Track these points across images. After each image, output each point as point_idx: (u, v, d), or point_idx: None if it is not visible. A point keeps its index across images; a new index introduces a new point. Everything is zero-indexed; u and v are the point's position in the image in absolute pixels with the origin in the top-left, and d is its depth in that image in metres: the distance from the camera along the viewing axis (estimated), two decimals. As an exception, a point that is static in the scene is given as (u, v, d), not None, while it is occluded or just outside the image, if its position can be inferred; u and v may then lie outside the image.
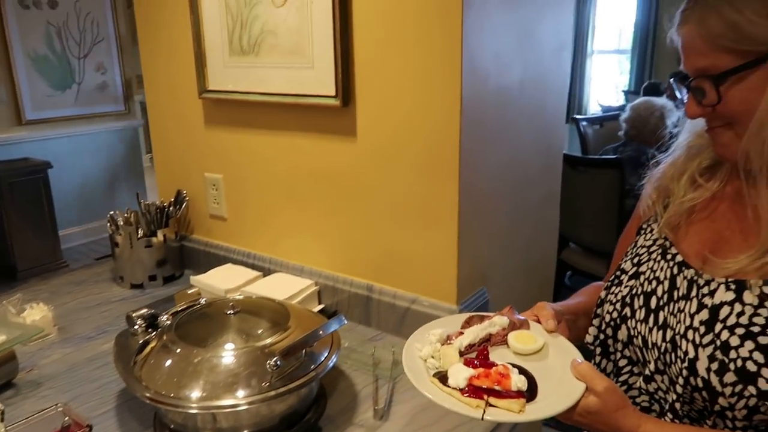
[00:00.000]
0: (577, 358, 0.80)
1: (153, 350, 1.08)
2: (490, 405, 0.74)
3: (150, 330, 1.13)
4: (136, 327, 1.13)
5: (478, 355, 0.86)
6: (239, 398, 0.92)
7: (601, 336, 0.89)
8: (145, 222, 1.67)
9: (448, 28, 1.14)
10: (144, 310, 1.14)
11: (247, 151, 1.56)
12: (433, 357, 0.86)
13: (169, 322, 1.14)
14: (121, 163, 4.80)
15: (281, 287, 1.42)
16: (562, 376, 0.79)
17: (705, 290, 0.76)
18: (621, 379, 0.88)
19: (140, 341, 1.10)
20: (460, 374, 0.78)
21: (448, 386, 0.78)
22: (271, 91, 1.45)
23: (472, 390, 0.76)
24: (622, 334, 0.85)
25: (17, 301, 1.42)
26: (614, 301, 0.87)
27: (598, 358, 0.92)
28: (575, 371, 0.78)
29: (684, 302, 0.78)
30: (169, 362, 1.02)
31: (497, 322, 0.90)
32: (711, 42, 0.69)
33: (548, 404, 0.75)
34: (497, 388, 0.75)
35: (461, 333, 0.89)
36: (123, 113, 4.77)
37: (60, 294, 1.60)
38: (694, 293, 0.77)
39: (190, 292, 1.30)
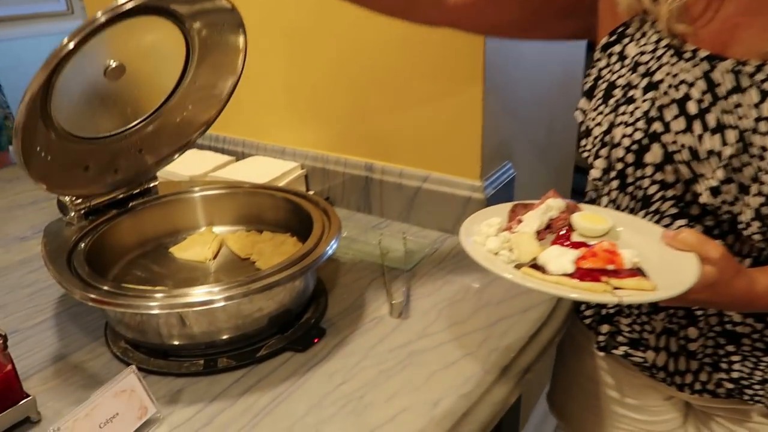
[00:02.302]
0: (661, 230, 0.64)
1: (95, 241, 0.82)
2: (615, 288, 0.57)
3: (91, 218, 0.87)
4: (72, 214, 0.86)
5: (557, 239, 0.64)
6: (214, 293, 0.68)
7: (619, 166, 0.72)
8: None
9: None
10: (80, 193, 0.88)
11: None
12: (502, 250, 0.64)
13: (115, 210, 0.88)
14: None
15: (259, 172, 1.16)
16: (661, 252, 0.62)
17: (760, 76, 0.64)
18: (651, 209, 0.72)
19: (78, 233, 0.84)
20: (564, 257, 0.58)
21: (551, 274, 0.58)
22: None
23: (584, 273, 0.57)
24: (653, 155, 0.69)
25: (-72, 198, 1.13)
26: (631, 121, 0.70)
27: (614, 194, 0.74)
28: (677, 243, 0.61)
29: (737, 95, 0.65)
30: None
31: (553, 205, 0.69)
32: None
33: (671, 282, 0.56)
34: (610, 267, 0.57)
35: (519, 221, 0.68)
36: (64, 13, 4.24)
37: (-13, 192, 1.32)
38: (746, 83, 0.64)
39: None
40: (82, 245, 0.81)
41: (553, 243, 0.62)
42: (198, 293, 0.68)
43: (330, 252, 0.77)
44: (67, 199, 0.86)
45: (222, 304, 0.67)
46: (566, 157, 1.48)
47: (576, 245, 0.60)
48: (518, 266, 0.61)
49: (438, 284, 0.90)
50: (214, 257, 0.90)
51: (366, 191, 1.14)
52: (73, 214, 0.86)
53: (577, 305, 0.88)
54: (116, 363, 0.75)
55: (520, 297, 0.86)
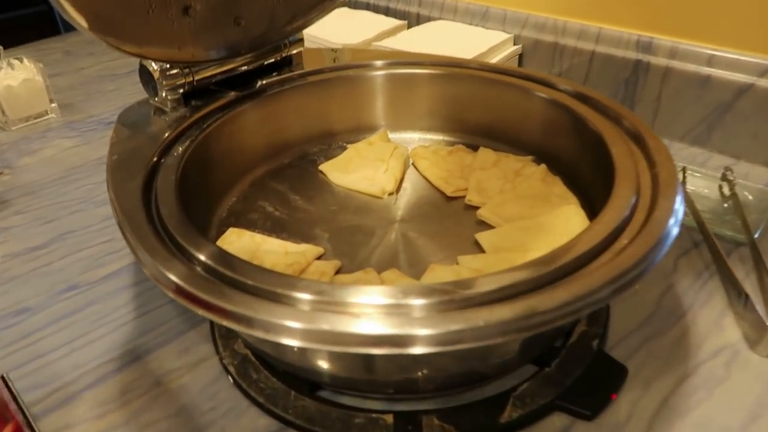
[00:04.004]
0: None
1: (199, 146, 0.46)
2: None
3: (194, 102, 0.50)
4: (163, 94, 0.50)
5: None
6: (418, 318, 0.29)
7: None
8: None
9: None
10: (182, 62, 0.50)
11: None
12: None
13: (235, 93, 0.50)
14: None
15: (447, 43, 0.73)
16: None
17: None
18: None
19: (171, 128, 0.47)
20: None
21: None
22: None
23: None
24: None
25: (-5, 56, 0.82)
26: None
27: None
28: None
29: None
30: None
31: None
32: None
33: None
34: None
35: None
36: None
37: (77, 56, 1.00)
38: None
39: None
40: (179, 151, 0.45)
41: None
42: (385, 305, 0.29)
43: (676, 231, 0.34)
44: (154, 66, 0.49)
45: (444, 348, 0.28)
46: None
47: None
48: None
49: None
50: (397, 189, 0.51)
51: (631, 86, 0.68)
52: (164, 93, 0.49)
53: None
54: (227, 384, 0.40)
55: None
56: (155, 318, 0.45)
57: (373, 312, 0.29)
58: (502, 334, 0.28)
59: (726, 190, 0.54)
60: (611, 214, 0.34)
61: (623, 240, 0.33)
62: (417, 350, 0.28)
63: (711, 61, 0.61)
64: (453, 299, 0.29)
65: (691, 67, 0.62)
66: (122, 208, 0.37)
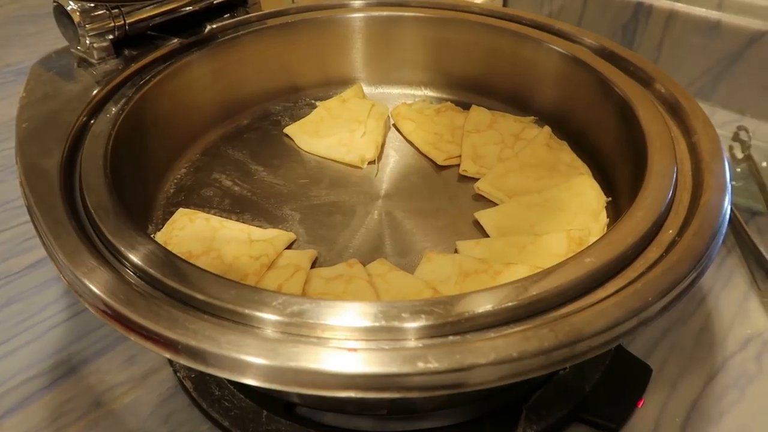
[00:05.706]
0: None
1: (134, 110, 0.37)
2: None
3: (127, 52, 0.41)
4: (88, 42, 0.40)
5: None
6: (426, 344, 0.22)
7: None
8: None
9: None
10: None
11: None
12: None
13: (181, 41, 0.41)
14: None
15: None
16: None
17: None
18: None
19: (98, 86, 0.38)
20: None
21: None
22: None
23: None
24: None
25: None
26: None
27: None
28: None
29: None
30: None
31: None
32: None
33: None
34: None
35: None
36: None
37: (-9, -10, 0.86)
38: None
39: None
40: (111, 114, 0.36)
41: None
42: (387, 329, 0.23)
43: (728, 214, 0.28)
44: (72, 5, 0.39)
45: (463, 389, 0.22)
46: None
47: None
48: None
49: None
50: (378, 157, 0.43)
51: (630, 32, 0.61)
52: (88, 41, 0.40)
53: None
54: (183, 403, 0.33)
55: None
56: (92, 319, 0.38)
57: (374, 346, 0.22)
58: (539, 368, 0.21)
59: (738, 152, 0.49)
60: (652, 196, 0.28)
61: (668, 230, 0.27)
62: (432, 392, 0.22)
63: (721, 4, 0.55)
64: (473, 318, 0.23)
65: (698, 11, 0.56)
66: (35, 195, 0.29)
